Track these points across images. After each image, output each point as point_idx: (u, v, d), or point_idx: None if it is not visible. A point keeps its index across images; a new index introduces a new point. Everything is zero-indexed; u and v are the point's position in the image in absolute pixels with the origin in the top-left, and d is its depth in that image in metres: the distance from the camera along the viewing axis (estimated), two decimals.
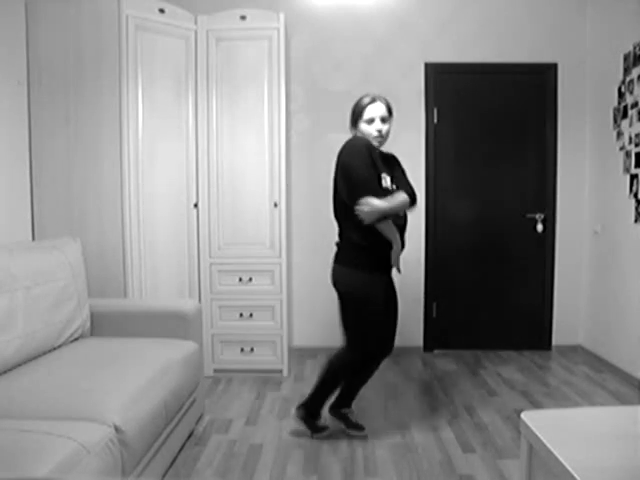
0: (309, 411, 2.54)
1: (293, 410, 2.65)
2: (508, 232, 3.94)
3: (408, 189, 2.38)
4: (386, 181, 2.35)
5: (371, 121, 2.36)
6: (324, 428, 2.56)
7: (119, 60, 2.92)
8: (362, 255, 2.34)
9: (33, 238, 2.97)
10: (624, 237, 3.36)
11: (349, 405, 2.62)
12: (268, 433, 2.59)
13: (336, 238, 2.49)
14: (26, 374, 1.94)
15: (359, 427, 2.56)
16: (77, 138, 2.94)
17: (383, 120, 2.38)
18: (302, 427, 2.57)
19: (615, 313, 3.49)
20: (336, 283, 2.42)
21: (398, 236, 2.32)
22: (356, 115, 2.41)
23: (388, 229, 2.27)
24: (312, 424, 2.55)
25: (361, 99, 2.43)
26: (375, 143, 2.37)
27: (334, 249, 2.36)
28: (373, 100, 2.39)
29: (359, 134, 2.40)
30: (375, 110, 2.37)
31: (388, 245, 2.32)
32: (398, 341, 3.37)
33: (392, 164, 2.51)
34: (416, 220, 3.90)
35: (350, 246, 2.38)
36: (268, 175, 3.34)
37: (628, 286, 3.32)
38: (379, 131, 2.36)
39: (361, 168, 2.24)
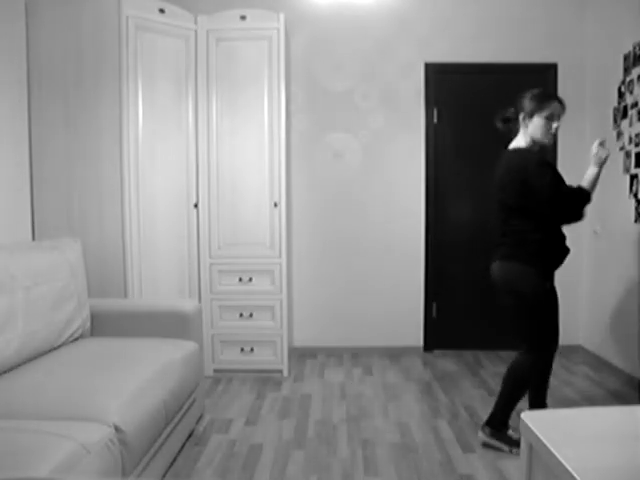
0: (495, 425, 2.40)
1: (480, 435, 2.45)
2: None
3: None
4: None
5: (551, 118, 2.30)
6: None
7: (119, 60, 2.92)
8: (538, 250, 2.30)
9: (33, 238, 2.97)
10: (624, 237, 3.36)
11: (506, 423, 2.45)
12: (268, 433, 2.59)
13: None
14: (26, 374, 1.94)
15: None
16: (77, 138, 2.94)
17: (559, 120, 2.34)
18: (495, 446, 2.40)
19: (615, 313, 3.48)
20: (510, 283, 2.36)
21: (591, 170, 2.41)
22: (538, 106, 2.32)
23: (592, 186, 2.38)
24: (505, 437, 2.39)
25: (545, 92, 2.38)
26: (547, 142, 2.35)
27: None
28: (558, 98, 2.34)
29: (524, 129, 2.36)
30: (560, 108, 2.32)
31: (560, 239, 2.34)
32: (398, 341, 3.41)
33: None
34: (416, 220, 3.90)
35: (531, 242, 2.31)
36: (268, 175, 3.34)
37: (628, 286, 3.31)
38: (557, 130, 2.34)
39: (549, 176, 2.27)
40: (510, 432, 2.42)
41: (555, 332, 2.37)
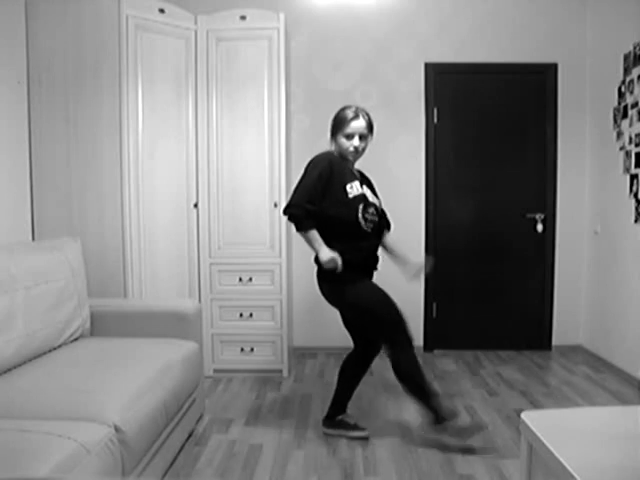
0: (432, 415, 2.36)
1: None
2: (508, 232, 3.94)
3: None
4: (353, 188, 2.38)
5: (350, 136, 2.39)
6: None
7: (119, 60, 2.92)
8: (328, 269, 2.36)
9: (33, 238, 2.97)
10: (624, 237, 3.36)
11: (343, 410, 2.60)
12: (268, 433, 2.59)
13: None
14: (26, 374, 1.94)
15: (359, 428, 2.55)
16: (77, 138, 2.94)
17: (361, 137, 2.40)
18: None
19: (615, 313, 3.49)
20: (332, 302, 2.47)
21: (320, 246, 2.33)
22: (336, 127, 2.43)
23: (310, 242, 2.35)
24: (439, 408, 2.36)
25: (344, 111, 2.43)
26: (350, 158, 2.44)
27: None
28: (356, 115, 2.39)
29: (335, 147, 2.45)
30: (356, 126, 2.39)
31: (358, 250, 2.38)
32: None
33: (367, 180, 2.59)
34: (416, 220, 3.90)
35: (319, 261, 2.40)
36: (268, 175, 3.34)
37: (628, 286, 3.31)
38: (355, 148, 2.40)
39: (309, 176, 2.34)
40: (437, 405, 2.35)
41: (395, 322, 2.36)
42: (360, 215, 2.37)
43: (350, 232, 2.37)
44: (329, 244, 2.34)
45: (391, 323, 2.37)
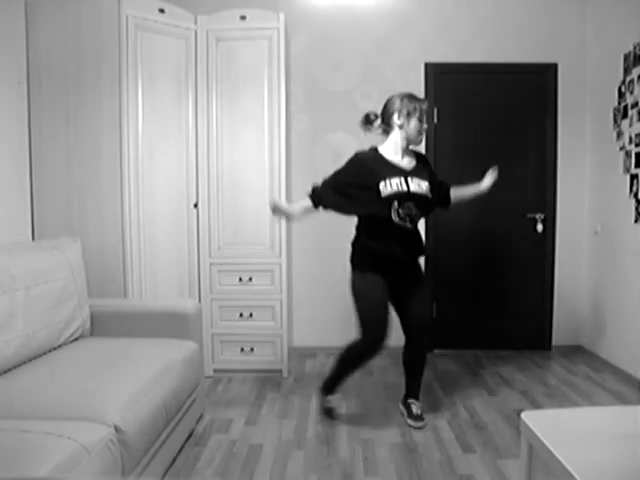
0: (324, 388, 2.76)
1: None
2: (508, 232, 3.94)
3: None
4: (387, 186, 2.44)
5: (422, 117, 2.62)
6: (330, 410, 2.76)
7: (119, 60, 2.92)
8: (355, 254, 2.60)
9: (33, 238, 2.97)
10: (624, 237, 3.36)
11: (412, 396, 2.75)
12: (268, 433, 2.59)
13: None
14: (26, 374, 1.94)
15: (418, 419, 2.65)
16: (77, 138, 2.94)
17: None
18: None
19: (615, 313, 3.49)
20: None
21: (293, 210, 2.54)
22: (412, 107, 2.62)
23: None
24: (322, 402, 2.77)
25: (413, 94, 2.69)
26: (418, 141, 2.62)
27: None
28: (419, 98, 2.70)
29: (403, 129, 2.62)
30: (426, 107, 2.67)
31: (378, 247, 2.50)
32: (399, 341, 3.43)
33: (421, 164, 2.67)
34: None
35: (352, 246, 2.63)
36: (268, 175, 3.34)
37: (628, 286, 3.32)
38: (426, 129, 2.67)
39: (336, 172, 2.54)
40: (329, 399, 2.74)
41: (371, 323, 2.53)
42: (394, 213, 2.45)
43: (382, 227, 2.47)
44: (361, 235, 2.57)
45: (362, 319, 2.55)
